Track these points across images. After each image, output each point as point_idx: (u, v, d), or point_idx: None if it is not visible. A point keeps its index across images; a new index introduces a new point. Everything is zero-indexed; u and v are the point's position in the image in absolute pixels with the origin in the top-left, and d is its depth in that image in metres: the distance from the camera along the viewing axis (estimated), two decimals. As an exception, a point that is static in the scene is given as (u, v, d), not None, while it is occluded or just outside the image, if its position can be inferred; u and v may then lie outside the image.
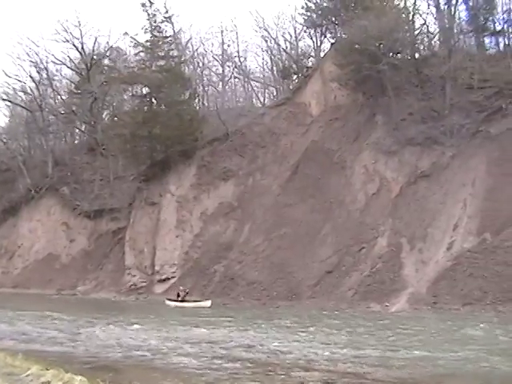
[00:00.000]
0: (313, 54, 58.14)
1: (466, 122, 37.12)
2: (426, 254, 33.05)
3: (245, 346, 18.71)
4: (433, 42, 47.95)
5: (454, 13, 44.92)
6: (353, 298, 33.37)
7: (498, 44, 45.17)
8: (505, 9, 44.12)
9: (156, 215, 48.40)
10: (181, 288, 39.25)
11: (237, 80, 66.10)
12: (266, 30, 59.62)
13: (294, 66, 56.83)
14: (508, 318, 25.49)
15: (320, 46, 56.38)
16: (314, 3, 51.20)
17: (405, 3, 47.31)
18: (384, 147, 39.63)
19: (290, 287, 36.73)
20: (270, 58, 62.64)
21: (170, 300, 38.59)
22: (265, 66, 66.29)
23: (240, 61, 64.12)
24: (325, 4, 50.57)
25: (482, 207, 32.71)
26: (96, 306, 40.07)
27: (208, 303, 36.53)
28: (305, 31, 57.34)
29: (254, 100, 63.66)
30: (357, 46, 41.40)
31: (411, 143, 38.45)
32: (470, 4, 44.51)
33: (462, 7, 47.27)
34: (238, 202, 45.81)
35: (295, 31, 59.52)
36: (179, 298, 38.21)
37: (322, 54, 52.44)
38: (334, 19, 49.16)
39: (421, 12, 48.17)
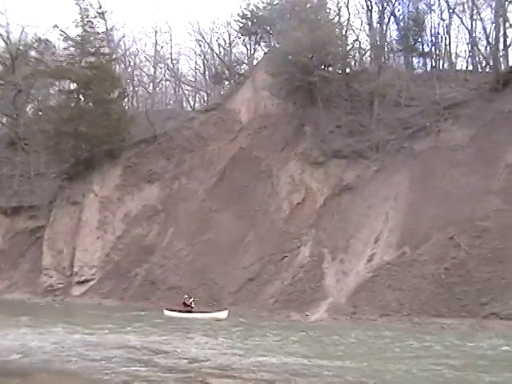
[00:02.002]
0: (246, 61, 58.36)
1: (391, 138, 38.01)
2: (347, 265, 33.48)
3: (163, 352, 18.35)
4: (364, 58, 49.15)
5: (386, 32, 46.31)
6: (273, 306, 33.40)
7: (425, 64, 46.78)
8: (433, 32, 45.82)
9: (77, 215, 47.20)
10: (185, 297, 34.09)
11: (168, 82, 65.67)
12: (200, 33, 59.58)
13: (227, 71, 56.87)
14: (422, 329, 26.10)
15: (253, 53, 56.75)
16: (250, 11, 51.47)
17: (339, 18, 48.17)
18: (311, 158, 40.04)
19: (212, 293, 36.49)
20: (203, 63, 62.60)
21: (170, 310, 33.30)
22: (197, 70, 66.23)
23: (172, 63, 63.82)
24: (260, 13, 50.88)
25: (402, 221, 33.42)
26: (8, 307, 38.55)
27: (224, 314, 31.62)
28: (239, 38, 57.53)
29: (184, 103, 63.34)
30: (290, 57, 41.64)
31: (337, 155, 39.00)
32: (401, 24, 45.85)
33: (393, 27, 48.85)
34: (162, 206, 45.28)
35: (229, 37, 59.71)
36: (187, 308, 33.13)
37: (254, 62, 52.66)
38: (268, 28, 49.47)
39: (354, 28, 49.48)
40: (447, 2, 45.31)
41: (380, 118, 39.68)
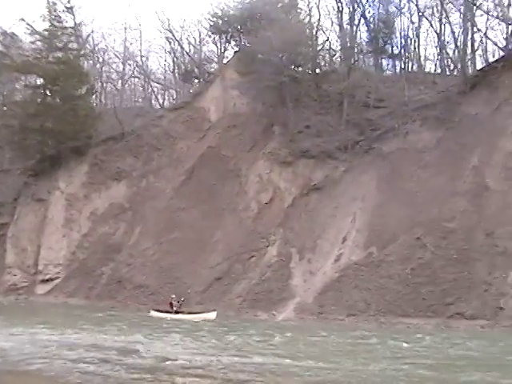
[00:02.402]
0: (216, 59, 58.13)
1: (359, 139, 38.18)
2: (315, 265, 33.52)
3: (130, 351, 18.10)
4: (334, 58, 49.30)
5: (356, 33, 46.55)
6: (241, 305, 33.29)
7: (394, 66, 47.19)
8: (402, 34, 46.24)
9: (43, 212, 46.48)
10: (173, 297, 32.82)
11: (137, 79, 65.01)
12: (170, 31, 58.96)
13: (196, 70, 56.51)
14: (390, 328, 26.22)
15: (223, 52, 56.54)
16: (221, 10, 51.25)
17: (309, 19, 48.46)
18: (279, 158, 40.05)
19: (178, 292, 35.99)
20: (173, 60, 62.06)
21: (157, 311, 32.29)
22: (166, 68, 65.76)
23: (142, 60, 63.18)
24: (231, 12, 50.68)
25: (370, 222, 33.57)
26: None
27: (213, 315, 30.47)
28: (209, 36, 57.32)
29: (153, 101, 62.70)
30: (260, 56, 41.65)
31: (306, 155, 39.04)
32: (371, 26, 46.13)
33: (363, 28, 49.18)
34: (129, 204, 44.80)
35: (200, 35, 59.48)
36: (174, 309, 32.04)
37: (224, 61, 52.48)
38: (239, 27, 49.31)
39: (324, 29, 49.69)
40: (417, 6, 45.75)
41: (349, 118, 39.79)
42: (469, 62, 41.75)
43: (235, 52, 50.13)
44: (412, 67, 48.49)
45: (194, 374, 15.01)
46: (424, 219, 31.33)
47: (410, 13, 48.07)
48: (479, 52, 45.22)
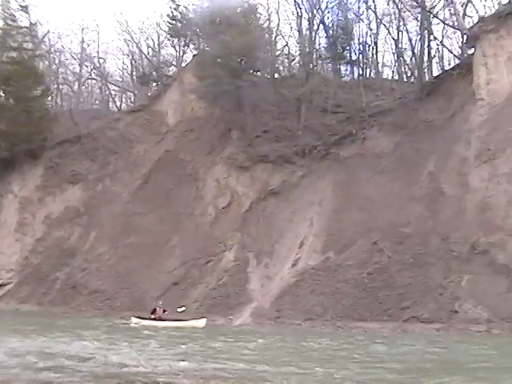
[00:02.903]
0: (174, 63, 57.69)
1: (317, 144, 38.28)
2: (272, 270, 33.47)
3: (83, 358, 17.61)
4: (292, 64, 49.52)
5: (315, 39, 46.68)
6: (198, 310, 32.89)
7: (352, 72, 47.41)
8: (361, 41, 46.66)
9: (-5, 216, 45.39)
10: (160, 303, 31.23)
11: (94, 81, 64.10)
12: (128, 33, 58.32)
13: (154, 73, 55.97)
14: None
15: (182, 56, 56.02)
16: (180, 13, 50.88)
17: (269, 24, 48.51)
18: (237, 162, 39.94)
19: (135, 298, 35.73)
20: (131, 63, 61.40)
21: (140, 318, 30.42)
22: (124, 70, 65.05)
23: (99, 62, 62.31)
24: (190, 15, 50.39)
25: (327, 226, 33.69)
26: None
27: (202, 322, 29.08)
28: (168, 39, 56.82)
29: (110, 104, 61.91)
30: (218, 60, 41.48)
31: (264, 160, 39.03)
32: (330, 32, 46.37)
33: (322, 34, 49.43)
34: (85, 208, 44.09)
35: (158, 38, 58.87)
36: (154, 316, 30.36)
37: (183, 65, 52.14)
38: (198, 31, 49.03)
39: (283, 34, 49.74)
40: (375, 13, 46.24)
41: (307, 123, 39.90)
42: (425, 69, 42.33)
43: (194, 56, 49.90)
44: (370, 73, 48.97)
45: (152, 379, 14.66)
46: (380, 224, 31.55)
47: (368, 20, 48.66)
48: (435, 59, 46.18)
